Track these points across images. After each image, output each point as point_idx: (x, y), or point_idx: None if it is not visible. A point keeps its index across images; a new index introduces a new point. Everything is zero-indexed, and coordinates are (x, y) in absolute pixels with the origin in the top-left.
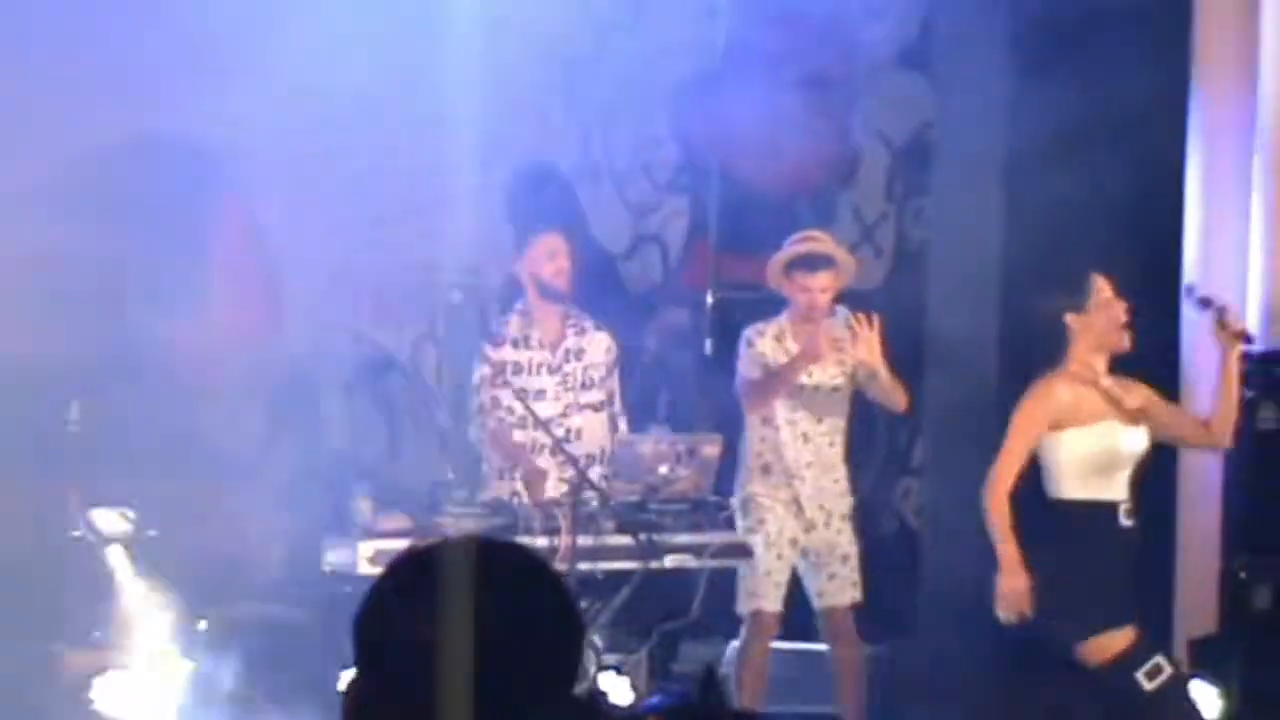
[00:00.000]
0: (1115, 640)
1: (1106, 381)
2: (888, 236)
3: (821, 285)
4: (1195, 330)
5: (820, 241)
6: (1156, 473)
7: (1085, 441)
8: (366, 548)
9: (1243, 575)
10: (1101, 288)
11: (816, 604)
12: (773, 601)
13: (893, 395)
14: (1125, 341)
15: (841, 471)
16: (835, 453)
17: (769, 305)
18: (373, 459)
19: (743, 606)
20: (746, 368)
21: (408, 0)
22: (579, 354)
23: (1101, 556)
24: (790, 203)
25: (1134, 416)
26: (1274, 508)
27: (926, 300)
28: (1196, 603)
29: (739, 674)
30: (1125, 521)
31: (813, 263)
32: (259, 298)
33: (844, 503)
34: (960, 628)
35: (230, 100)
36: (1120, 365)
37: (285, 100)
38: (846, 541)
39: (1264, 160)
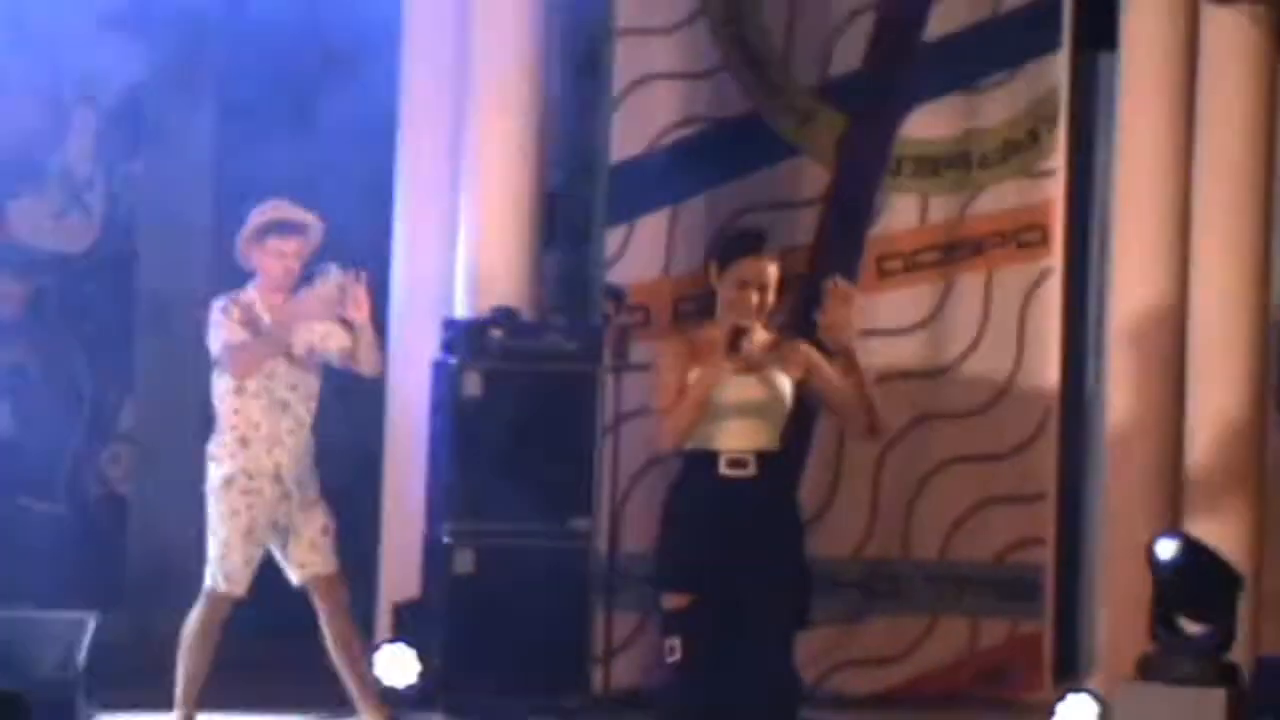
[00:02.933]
0: None
1: None
2: (96, 199)
3: (295, 250)
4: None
5: (289, 209)
6: (363, 440)
7: None
8: None
9: (446, 541)
10: None
11: (298, 576)
12: (242, 586)
13: (372, 355)
14: None
15: (312, 440)
16: (311, 421)
17: None
18: None
19: (209, 583)
20: (227, 334)
21: None
22: None
23: None
24: None
25: None
26: (477, 474)
27: (136, 264)
28: (401, 568)
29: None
30: None
31: (286, 228)
32: None
33: (317, 471)
34: (168, 597)
35: None
36: None
37: None
38: (324, 511)
39: (473, 134)
